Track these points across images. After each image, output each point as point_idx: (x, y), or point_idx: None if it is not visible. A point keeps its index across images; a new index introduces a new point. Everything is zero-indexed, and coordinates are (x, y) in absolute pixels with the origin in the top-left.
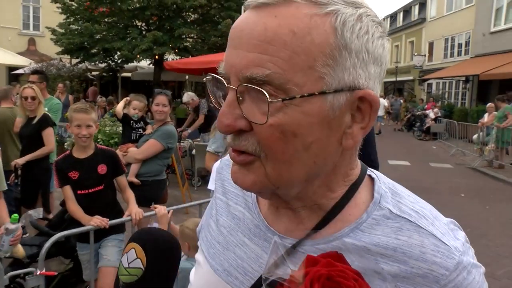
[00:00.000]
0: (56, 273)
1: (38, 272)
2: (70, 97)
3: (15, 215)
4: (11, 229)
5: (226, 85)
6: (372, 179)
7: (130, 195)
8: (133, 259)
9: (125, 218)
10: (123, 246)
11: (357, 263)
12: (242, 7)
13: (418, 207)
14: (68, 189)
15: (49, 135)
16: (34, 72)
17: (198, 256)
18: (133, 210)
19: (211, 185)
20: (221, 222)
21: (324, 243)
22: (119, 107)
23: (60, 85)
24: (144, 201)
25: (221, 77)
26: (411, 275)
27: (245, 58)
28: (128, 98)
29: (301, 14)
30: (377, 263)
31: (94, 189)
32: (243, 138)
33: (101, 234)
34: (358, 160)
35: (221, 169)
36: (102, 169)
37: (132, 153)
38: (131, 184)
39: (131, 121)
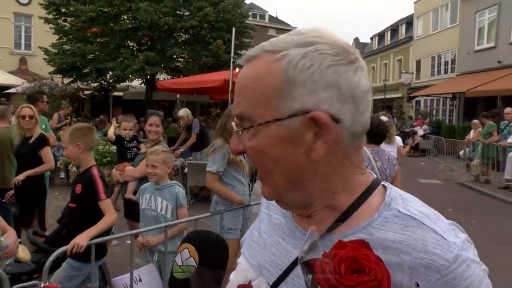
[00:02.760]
0: (59, 286)
1: (42, 285)
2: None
3: None
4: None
5: None
6: (385, 187)
7: (99, 224)
8: (187, 257)
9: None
10: (73, 273)
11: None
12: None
13: (423, 209)
14: None
15: (47, 153)
16: (43, 92)
17: (240, 259)
18: (76, 239)
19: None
20: (263, 229)
21: (341, 238)
22: (111, 131)
23: (70, 108)
24: (137, 216)
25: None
26: (415, 265)
27: (235, 100)
28: (115, 121)
29: (262, 63)
30: (399, 255)
31: (70, 204)
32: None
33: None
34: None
35: None
36: (78, 188)
37: (129, 171)
38: (131, 201)
39: (125, 141)
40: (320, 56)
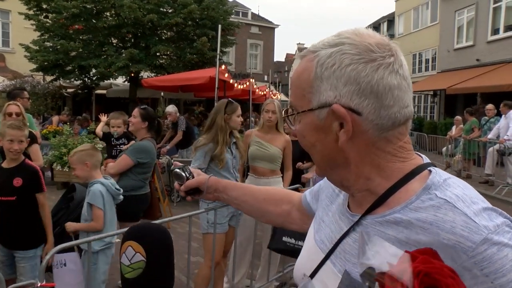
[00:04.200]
0: (55, 285)
1: (39, 284)
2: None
3: None
4: None
5: None
6: (430, 172)
7: (45, 218)
8: (133, 254)
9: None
10: (38, 261)
11: (403, 233)
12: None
13: (461, 193)
14: None
15: (36, 151)
16: (24, 89)
17: (309, 232)
18: (48, 248)
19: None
20: (331, 208)
21: (381, 217)
22: (99, 128)
23: (69, 116)
24: (122, 216)
25: None
26: (442, 245)
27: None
28: (103, 116)
29: (303, 62)
30: (417, 233)
31: (5, 198)
32: None
33: (14, 242)
34: (417, 159)
35: None
36: (17, 181)
37: (108, 168)
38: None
39: (112, 139)
40: (342, 56)
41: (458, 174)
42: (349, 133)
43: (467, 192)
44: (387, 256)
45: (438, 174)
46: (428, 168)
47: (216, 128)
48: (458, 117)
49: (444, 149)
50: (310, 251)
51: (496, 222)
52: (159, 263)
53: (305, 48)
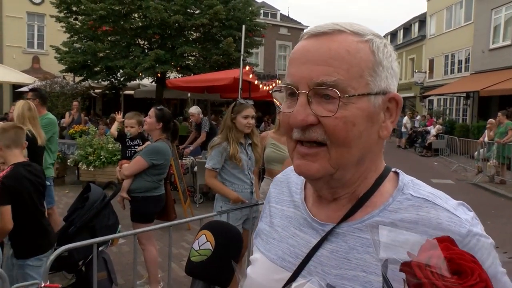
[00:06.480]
0: (60, 286)
1: (43, 284)
2: (82, 115)
3: None
4: None
5: (297, 91)
6: (397, 173)
7: None
8: (204, 242)
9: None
10: (41, 263)
11: (388, 236)
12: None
13: (433, 191)
14: None
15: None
16: (30, 90)
17: (255, 255)
18: None
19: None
20: (276, 223)
21: (359, 223)
22: (113, 129)
23: (75, 103)
24: (135, 217)
25: (289, 86)
26: None
27: (314, 70)
28: (117, 117)
29: (350, 40)
30: (417, 233)
31: None
32: (312, 130)
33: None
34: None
35: (277, 185)
36: None
37: (123, 169)
38: (133, 201)
39: (126, 139)
40: (391, 49)
41: (491, 180)
42: (394, 124)
43: (437, 190)
44: (404, 246)
45: (403, 175)
46: (392, 170)
47: (225, 128)
48: (492, 120)
49: (476, 153)
50: (267, 274)
51: (470, 215)
52: (221, 260)
53: None
